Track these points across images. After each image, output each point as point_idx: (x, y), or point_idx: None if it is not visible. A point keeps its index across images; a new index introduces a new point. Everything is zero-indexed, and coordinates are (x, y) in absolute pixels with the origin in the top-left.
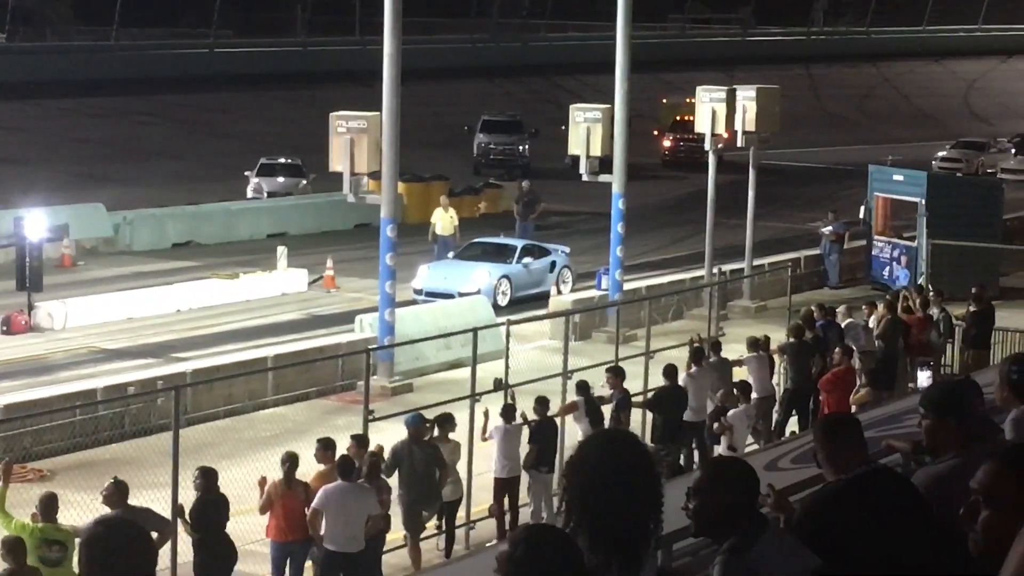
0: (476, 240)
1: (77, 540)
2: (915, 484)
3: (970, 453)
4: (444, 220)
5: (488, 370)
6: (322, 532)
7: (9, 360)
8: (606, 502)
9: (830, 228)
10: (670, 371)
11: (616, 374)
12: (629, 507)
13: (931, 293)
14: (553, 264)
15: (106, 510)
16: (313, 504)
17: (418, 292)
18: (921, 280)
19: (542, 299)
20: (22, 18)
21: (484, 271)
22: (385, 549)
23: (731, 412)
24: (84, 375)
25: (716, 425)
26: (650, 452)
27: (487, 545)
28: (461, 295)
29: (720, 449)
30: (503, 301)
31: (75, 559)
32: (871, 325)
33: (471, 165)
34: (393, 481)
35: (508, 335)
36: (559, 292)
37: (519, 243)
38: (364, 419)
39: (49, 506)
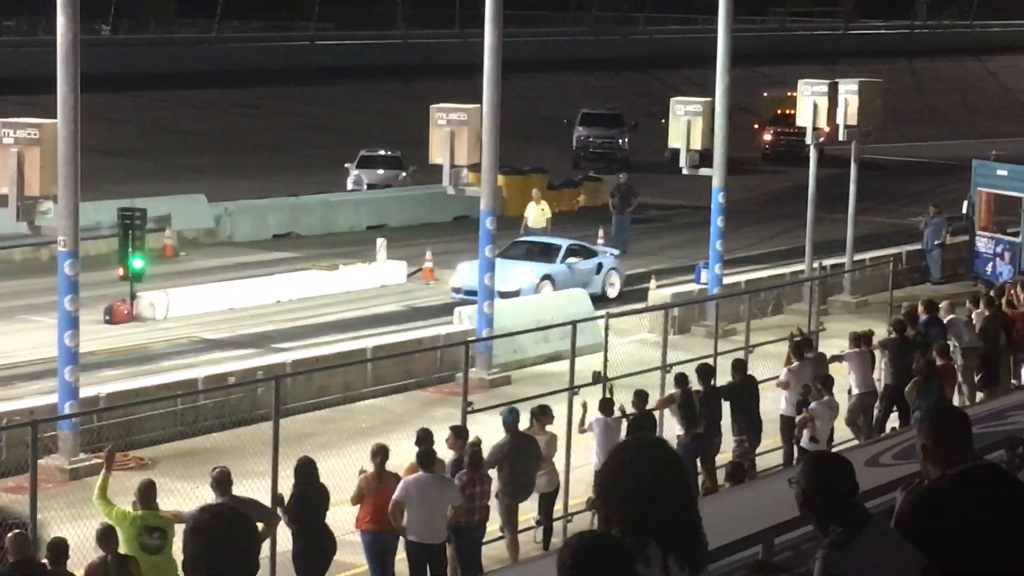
0: (521, 239)
1: (177, 527)
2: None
3: None
4: (535, 213)
5: (586, 363)
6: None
7: (112, 349)
8: (640, 508)
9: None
10: (740, 365)
11: (701, 374)
12: (662, 511)
13: None
14: (600, 266)
15: (209, 498)
16: (394, 496)
17: (456, 290)
18: None
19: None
20: (126, 11)
21: (526, 270)
22: (484, 540)
23: (813, 404)
24: (185, 364)
25: (799, 417)
26: (679, 457)
27: None
28: (501, 295)
29: (802, 442)
30: None
31: (176, 546)
32: (973, 321)
33: (570, 158)
34: (492, 473)
35: (607, 328)
36: (606, 295)
37: (564, 243)
38: (463, 411)
39: (147, 493)
